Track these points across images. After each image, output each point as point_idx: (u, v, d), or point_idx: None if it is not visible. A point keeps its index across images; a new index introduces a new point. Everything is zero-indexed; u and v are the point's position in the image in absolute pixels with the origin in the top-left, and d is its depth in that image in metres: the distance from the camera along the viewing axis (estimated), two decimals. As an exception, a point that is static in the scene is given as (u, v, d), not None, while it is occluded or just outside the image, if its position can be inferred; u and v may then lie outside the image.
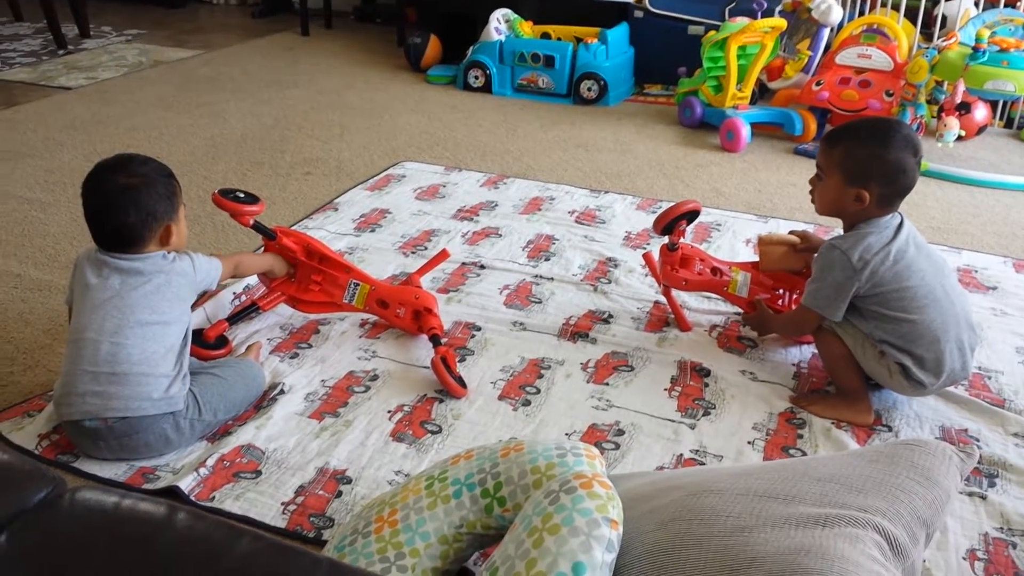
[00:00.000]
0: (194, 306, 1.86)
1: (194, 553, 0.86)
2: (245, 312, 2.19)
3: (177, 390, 1.71)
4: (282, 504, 1.63)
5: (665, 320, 2.28)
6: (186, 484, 1.65)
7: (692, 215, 2.18)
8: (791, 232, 2.20)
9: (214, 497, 1.64)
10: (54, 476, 0.95)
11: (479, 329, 2.22)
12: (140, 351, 1.68)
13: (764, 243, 2.20)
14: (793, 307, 2.17)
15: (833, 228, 2.70)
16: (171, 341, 1.73)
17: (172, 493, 1.62)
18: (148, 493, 1.62)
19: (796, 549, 1.03)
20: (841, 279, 1.82)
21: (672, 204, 2.19)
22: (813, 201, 1.94)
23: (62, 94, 4.19)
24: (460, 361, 2.08)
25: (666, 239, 2.21)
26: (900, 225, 1.84)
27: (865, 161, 1.81)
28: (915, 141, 1.82)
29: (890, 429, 1.88)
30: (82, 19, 5.29)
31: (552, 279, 2.48)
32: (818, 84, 3.59)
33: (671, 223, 2.16)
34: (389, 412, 1.90)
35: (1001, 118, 3.94)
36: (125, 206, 1.70)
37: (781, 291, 2.23)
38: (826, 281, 1.85)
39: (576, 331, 2.22)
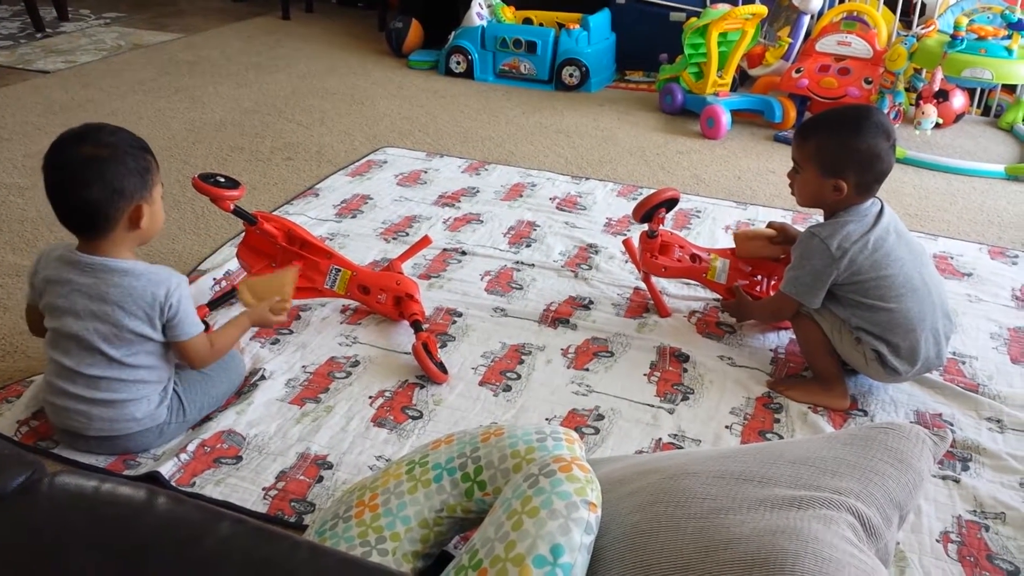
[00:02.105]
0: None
1: (174, 536, 0.86)
2: (225, 298, 2.19)
3: (160, 406, 1.69)
4: (263, 489, 1.63)
5: (645, 306, 2.29)
6: (167, 470, 1.65)
7: (671, 203, 2.19)
8: (769, 224, 2.21)
9: (194, 483, 1.64)
10: (33, 460, 0.95)
11: (460, 315, 2.23)
12: (118, 382, 1.62)
13: (740, 239, 2.22)
14: (771, 293, 2.18)
15: (811, 217, 2.72)
16: (150, 360, 1.65)
17: (152, 479, 1.62)
18: (128, 479, 1.62)
19: (771, 530, 1.05)
20: (820, 267, 1.84)
21: (652, 191, 2.19)
22: (793, 194, 1.95)
23: (40, 78, 4.15)
24: (441, 347, 2.08)
25: (646, 226, 2.22)
26: (880, 212, 1.85)
27: (839, 152, 1.82)
28: (887, 126, 1.82)
29: (866, 414, 1.90)
30: (60, 2, 5.22)
31: (533, 265, 2.48)
32: (798, 71, 3.61)
33: (651, 210, 2.17)
34: (370, 398, 1.90)
35: (978, 106, 3.98)
36: (88, 180, 1.52)
37: (759, 277, 2.25)
38: (805, 269, 1.87)
39: (557, 317, 2.23)
